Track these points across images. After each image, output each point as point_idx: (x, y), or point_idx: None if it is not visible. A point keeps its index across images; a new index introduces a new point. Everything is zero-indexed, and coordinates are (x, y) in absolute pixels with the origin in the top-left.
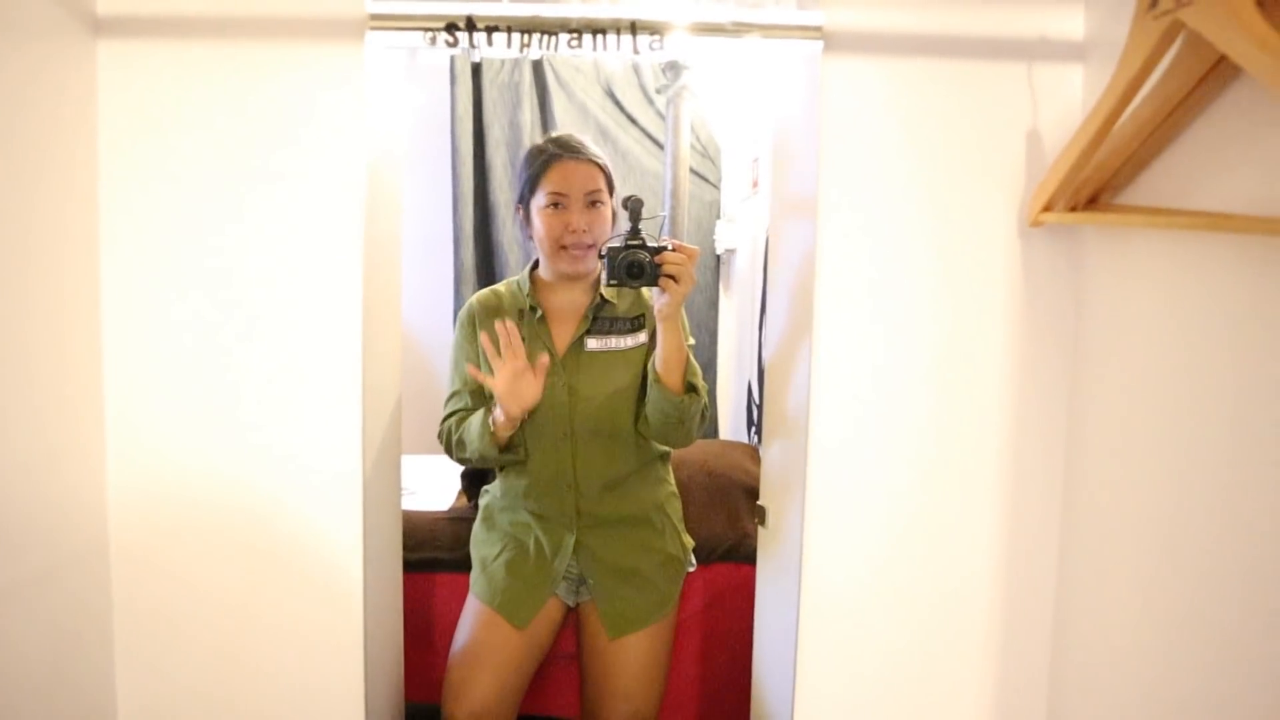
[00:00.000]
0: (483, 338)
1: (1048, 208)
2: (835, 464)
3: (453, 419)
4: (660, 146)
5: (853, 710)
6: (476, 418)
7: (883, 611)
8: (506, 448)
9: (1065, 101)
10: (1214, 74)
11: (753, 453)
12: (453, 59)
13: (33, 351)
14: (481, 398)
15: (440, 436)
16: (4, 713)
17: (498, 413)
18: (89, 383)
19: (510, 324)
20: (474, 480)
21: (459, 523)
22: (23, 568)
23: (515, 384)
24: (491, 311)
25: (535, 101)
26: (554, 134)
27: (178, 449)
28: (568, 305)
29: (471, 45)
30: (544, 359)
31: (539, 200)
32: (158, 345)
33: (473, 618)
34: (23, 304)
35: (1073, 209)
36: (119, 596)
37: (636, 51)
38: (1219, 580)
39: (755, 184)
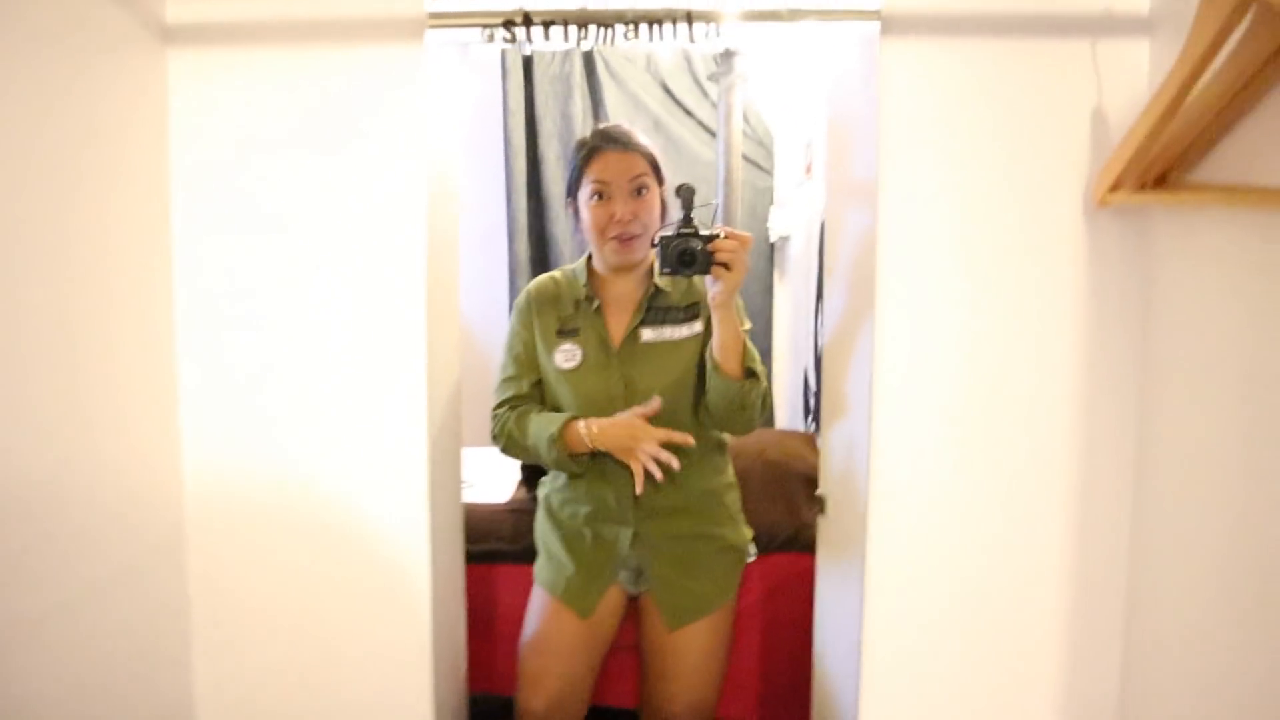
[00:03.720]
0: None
1: (1115, 187)
2: (898, 452)
3: (509, 411)
4: (713, 135)
5: (919, 700)
6: (543, 426)
7: (949, 600)
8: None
9: (1131, 78)
10: None
11: (810, 441)
12: (504, 53)
13: (110, 354)
14: (536, 382)
15: (494, 427)
16: (85, 709)
17: (584, 430)
18: (163, 383)
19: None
20: (534, 472)
21: (519, 514)
22: (103, 566)
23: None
24: (549, 299)
25: (586, 93)
26: (601, 125)
27: (249, 447)
28: (622, 295)
29: (529, 39)
30: (656, 402)
31: (584, 192)
32: (228, 340)
33: (540, 608)
34: (100, 308)
35: (1141, 188)
36: (195, 591)
37: (692, 40)
38: None
39: (809, 169)
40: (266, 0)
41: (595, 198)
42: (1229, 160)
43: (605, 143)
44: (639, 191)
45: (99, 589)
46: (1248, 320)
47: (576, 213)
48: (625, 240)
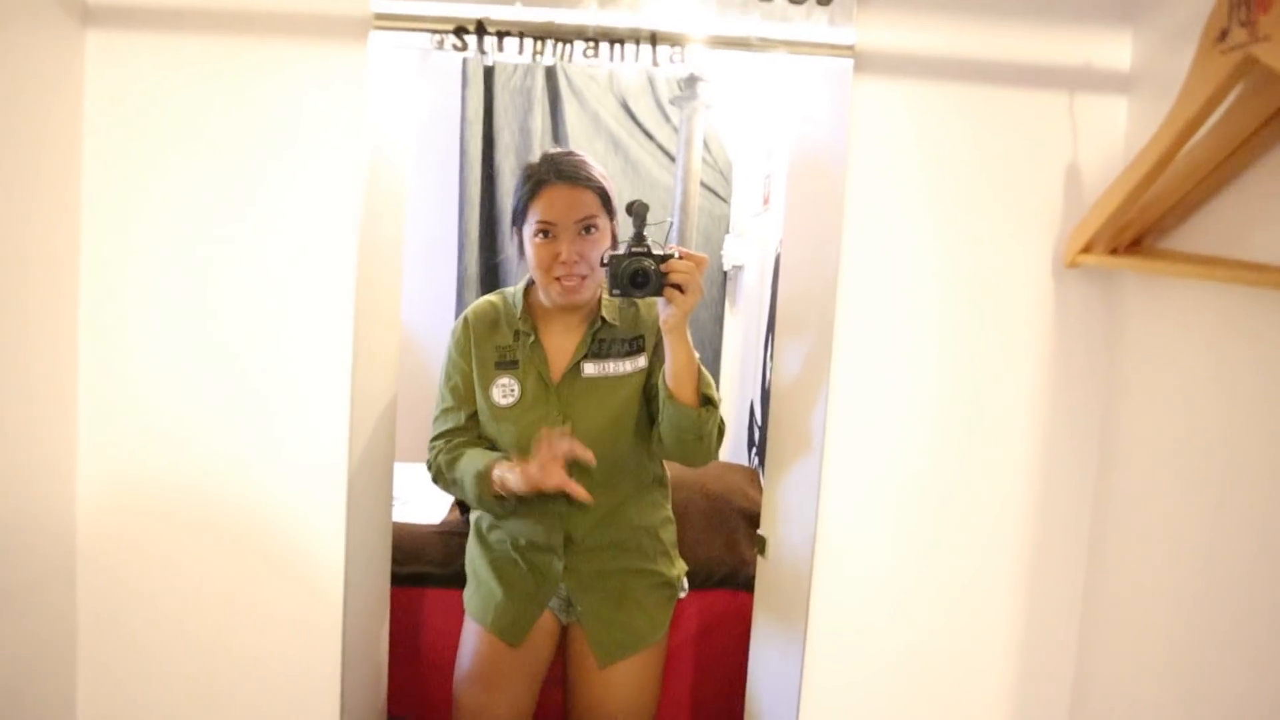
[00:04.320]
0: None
1: (1087, 249)
2: (848, 500)
3: (443, 447)
4: (672, 159)
5: None
6: (472, 465)
7: (894, 660)
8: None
9: (1108, 135)
10: None
11: (752, 476)
12: (465, 61)
13: (5, 355)
14: (474, 414)
15: (429, 462)
16: None
17: (508, 478)
18: (63, 384)
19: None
20: None
21: (450, 537)
22: None
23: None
24: (487, 326)
25: (547, 108)
26: (551, 152)
27: (152, 457)
28: (565, 327)
29: (481, 51)
30: (566, 431)
31: (529, 228)
32: (138, 344)
33: (472, 640)
34: None
35: (1114, 251)
36: (84, 610)
37: (656, 64)
38: (1251, 665)
39: (767, 200)
40: None
41: (540, 235)
42: (1208, 228)
43: (554, 176)
44: (587, 230)
45: None
46: (1214, 389)
47: (521, 244)
48: (570, 281)
